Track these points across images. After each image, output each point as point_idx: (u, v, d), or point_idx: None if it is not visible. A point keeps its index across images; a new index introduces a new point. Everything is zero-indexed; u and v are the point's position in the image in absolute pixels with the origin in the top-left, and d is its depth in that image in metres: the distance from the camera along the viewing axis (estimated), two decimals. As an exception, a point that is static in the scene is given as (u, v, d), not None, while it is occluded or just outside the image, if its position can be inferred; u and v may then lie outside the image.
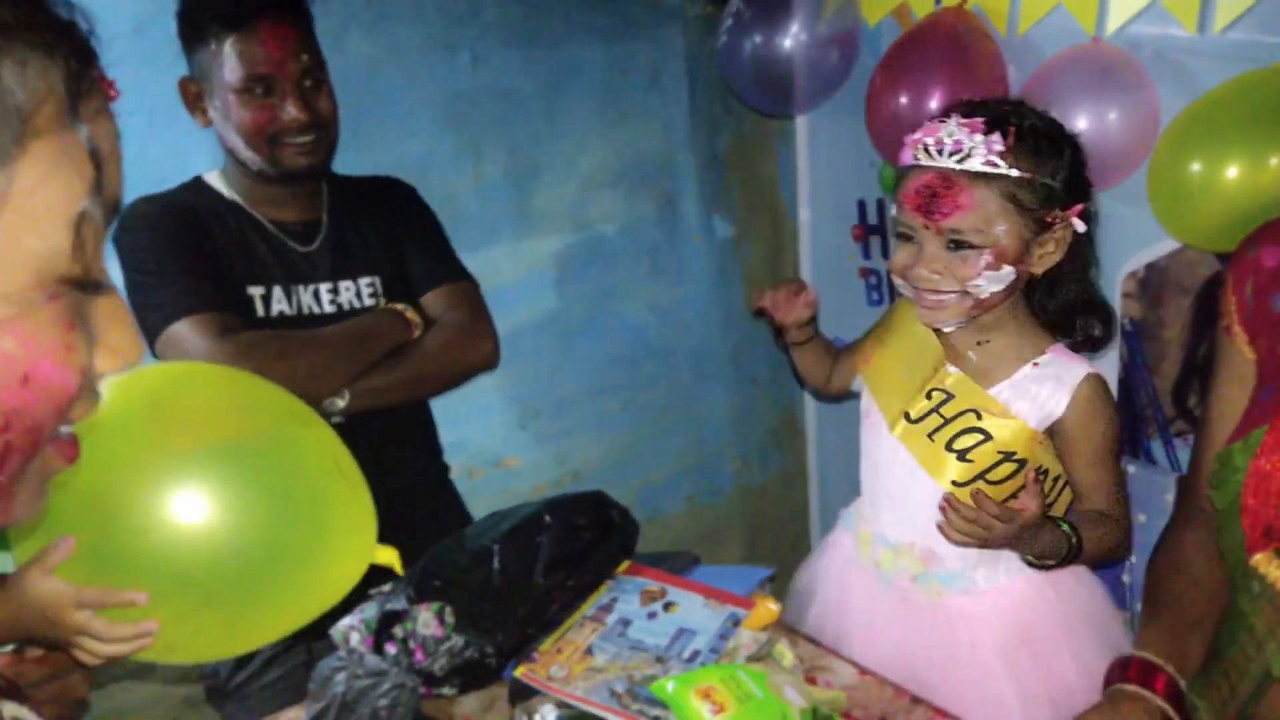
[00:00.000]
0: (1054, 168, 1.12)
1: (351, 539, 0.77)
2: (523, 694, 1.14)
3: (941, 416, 1.23)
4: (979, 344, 1.23)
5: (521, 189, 2.20)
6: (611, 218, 2.34)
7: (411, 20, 1.96)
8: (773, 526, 2.68)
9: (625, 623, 1.23)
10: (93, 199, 0.41)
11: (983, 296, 1.15)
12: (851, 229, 2.21)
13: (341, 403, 1.37)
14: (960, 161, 1.09)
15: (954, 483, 1.22)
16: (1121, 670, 1.03)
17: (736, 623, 1.24)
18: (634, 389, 2.43)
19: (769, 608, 1.27)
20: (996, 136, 1.09)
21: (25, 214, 0.39)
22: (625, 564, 1.36)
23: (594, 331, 2.35)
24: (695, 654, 1.17)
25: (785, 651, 1.20)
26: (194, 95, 1.41)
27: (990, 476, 1.20)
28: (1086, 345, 1.25)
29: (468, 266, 1.65)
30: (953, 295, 1.15)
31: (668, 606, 1.26)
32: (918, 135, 1.15)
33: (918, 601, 1.24)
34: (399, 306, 1.47)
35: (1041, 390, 1.19)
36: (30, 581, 0.68)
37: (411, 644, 1.14)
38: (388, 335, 1.42)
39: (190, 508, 0.67)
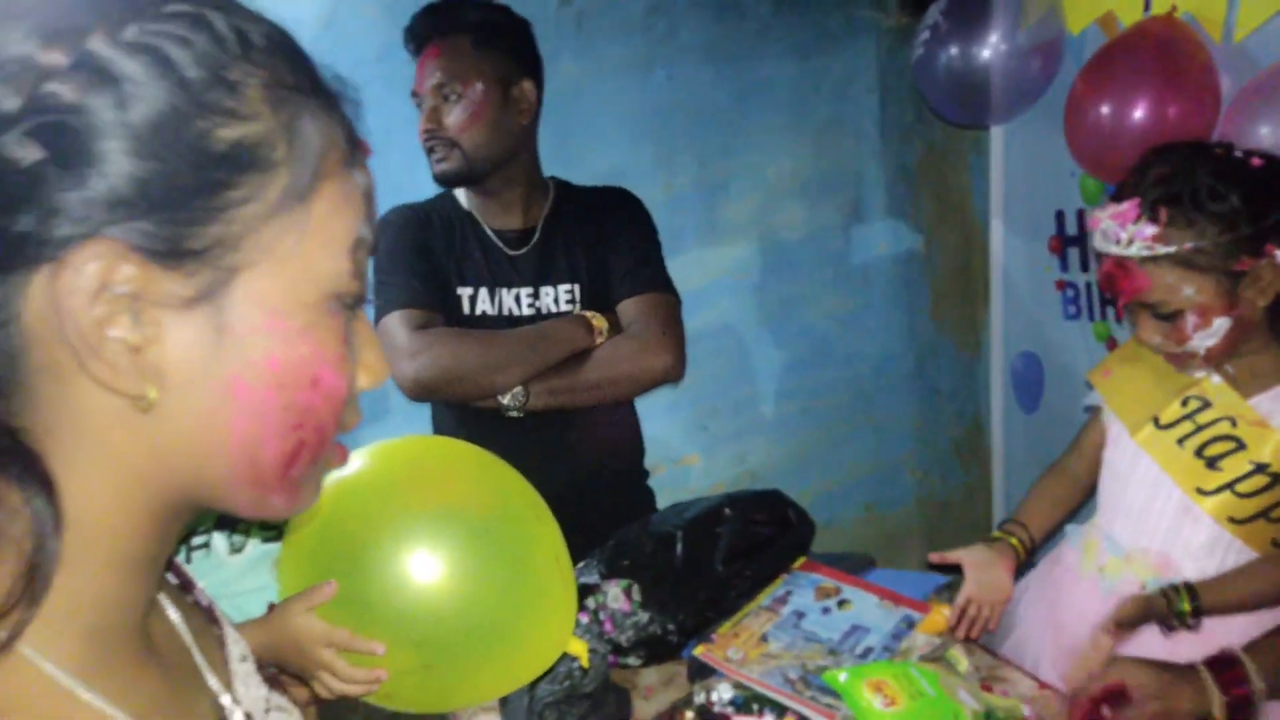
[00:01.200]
0: (1226, 224, 1.09)
1: (556, 628, 0.85)
2: (701, 672, 1.22)
3: (1194, 423, 1.22)
4: (1240, 360, 1.22)
5: (710, 199, 2.29)
6: (796, 226, 2.39)
7: (616, 40, 2.10)
8: (953, 541, 2.59)
9: (800, 615, 1.29)
10: (367, 229, 0.50)
11: (1208, 348, 1.16)
12: (1049, 240, 2.15)
13: (517, 401, 1.49)
14: (1124, 249, 1.13)
15: (1199, 490, 1.20)
16: (1219, 663, 1.03)
17: (910, 625, 1.27)
18: (814, 394, 2.46)
19: (944, 613, 1.29)
20: (1144, 225, 1.11)
21: (320, 240, 0.46)
22: (801, 560, 1.41)
23: (776, 337, 2.41)
24: (868, 650, 1.21)
25: (960, 657, 1.22)
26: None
27: (1239, 488, 1.17)
28: None
29: (656, 274, 1.73)
30: (1183, 354, 1.18)
31: (842, 604, 1.31)
32: (1092, 220, 1.19)
33: (1124, 578, 1.22)
34: (587, 314, 1.56)
35: None
36: (293, 613, 0.78)
37: (601, 615, 1.24)
38: (567, 339, 1.50)
39: (433, 574, 0.76)
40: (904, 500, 2.61)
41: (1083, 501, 1.43)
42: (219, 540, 1.12)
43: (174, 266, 0.42)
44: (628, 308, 1.58)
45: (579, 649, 0.92)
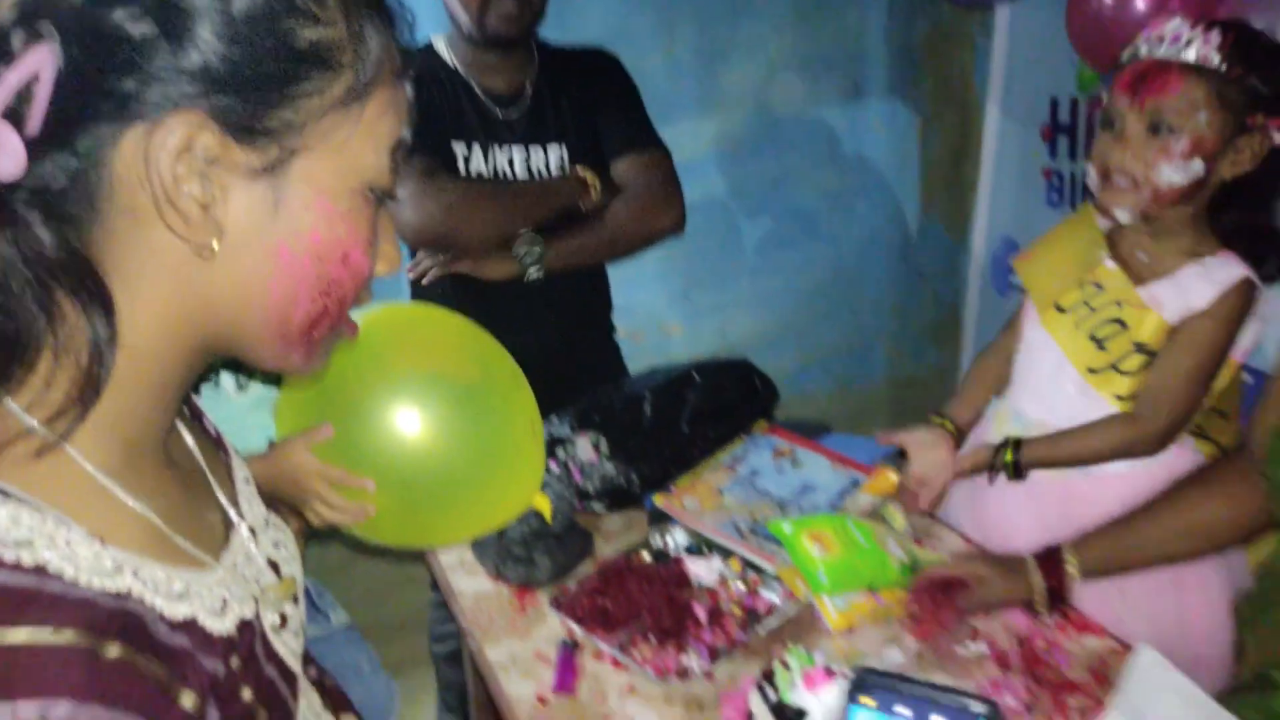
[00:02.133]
0: (1266, 75, 1.14)
1: (525, 485, 0.95)
2: (659, 519, 1.33)
3: (1089, 307, 1.29)
4: (1154, 241, 1.26)
5: (709, 68, 2.27)
6: (794, 101, 2.38)
7: (621, -103, 2.04)
8: (919, 418, 2.73)
9: (755, 473, 1.39)
10: (406, 132, 0.56)
11: (1161, 187, 1.18)
12: (1041, 127, 2.16)
13: (533, 258, 1.54)
14: (1178, 51, 1.15)
15: (1090, 370, 1.29)
16: (1045, 554, 1.12)
17: (856, 485, 1.37)
18: (798, 270, 2.51)
19: (889, 477, 1.39)
20: (1215, 33, 1.14)
21: (368, 136, 0.53)
22: (762, 424, 1.51)
23: (765, 212, 2.44)
24: (814, 507, 1.32)
25: (896, 515, 1.33)
26: None
27: (1122, 367, 1.26)
28: (1271, 279, 1.25)
29: (651, 141, 1.76)
30: (1135, 181, 1.20)
31: (795, 464, 1.41)
32: (1146, 30, 1.21)
33: (1038, 478, 1.32)
34: (580, 170, 1.61)
35: (1195, 285, 1.22)
36: (294, 450, 0.87)
37: (571, 465, 1.34)
38: (564, 194, 1.57)
39: (419, 426, 0.85)
40: (874, 377, 2.70)
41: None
42: (226, 379, 1.21)
43: (246, 141, 0.48)
44: (626, 166, 1.62)
45: (543, 505, 1.03)
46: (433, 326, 0.97)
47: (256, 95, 0.48)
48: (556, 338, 1.65)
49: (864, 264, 2.59)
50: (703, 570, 1.24)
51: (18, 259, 0.46)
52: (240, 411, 1.18)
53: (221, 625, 0.54)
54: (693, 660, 1.09)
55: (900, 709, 0.67)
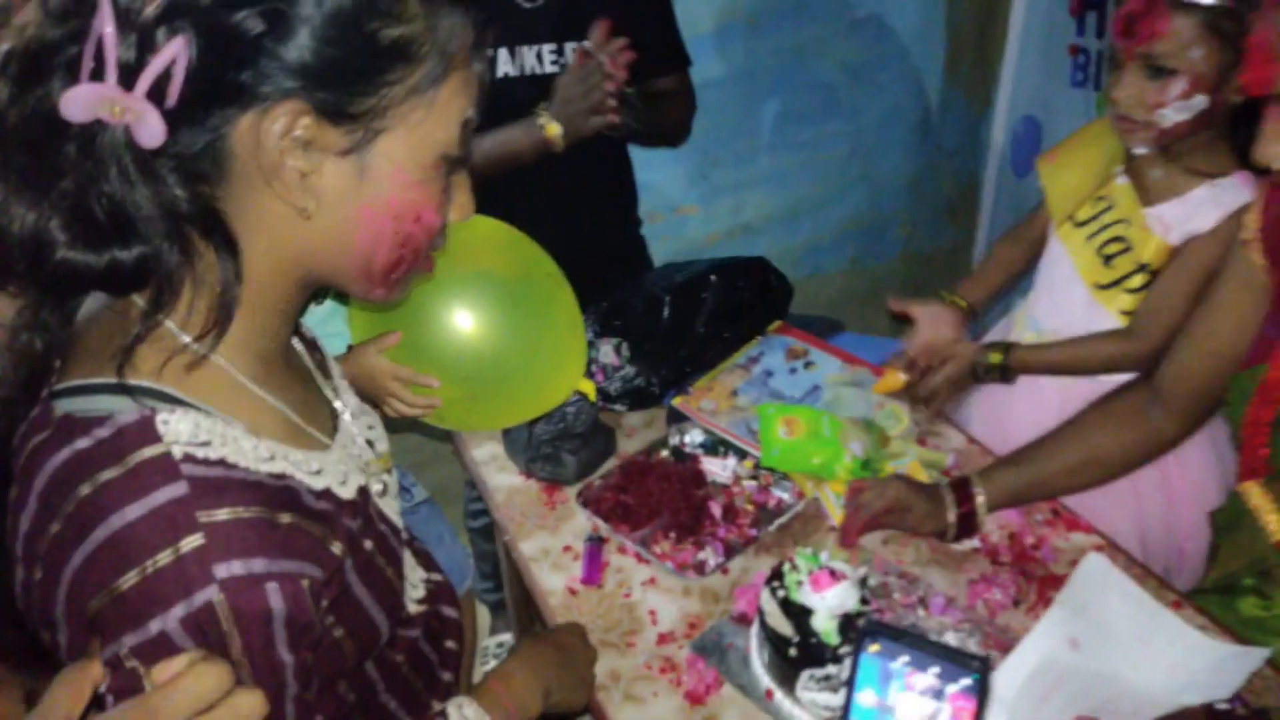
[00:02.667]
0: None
1: (570, 371, 1.07)
2: (677, 418, 1.40)
3: (1100, 223, 1.32)
4: (1169, 163, 1.27)
5: (727, -65, 2.18)
6: (815, -32, 2.29)
7: None
8: (934, 295, 2.76)
9: (769, 373, 1.45)
10: (476, 110, 0.65)
11: (1165, 126, 1.19)
12: (1069, 1, 2.09)
13: (628, 130, 1.53)
14: None
15: (1097, 285, 1.33)
16: (959, 483, 1.19)
17: (864, 386, 1.44)
18: (815, 147, 2.49)
19: (898, 376, 1.46)
20: None
21: (441, 117, 0.62)
22: (776, 323, 1.56)
23: (782, 88, 2.39)
24: (823, 407, 1.39)
25: (901, 413, 1.40)
26: None
27: (1127, 285, 1.29)
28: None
29: (665, 13, 1.76)
30: (1142, 123, 1.20)
31: (808, 365, 1.47)
32: None
33: (1046, 384, 1.38)
34: (543, 120, 1.44)
35: (1202, 207, 1.23)
36: (368, 355, 0.99)
37: (593, 368, 1.41)
38: (528, 158, 1.47)
39: (472, 325, 0.95)
40: (890, 254, 2.72)
41: (1032, 263, 1.52)
42: None
43: (337, 124, 0.59)
44: (670, 82, 1.68)
45: (588, 387, 1.16)
46: (479, 234, 1.05)
47: (346, 87, 0.58)
48: (590, 234, 1.67)
49: (883, 138, 2.56)
50: (718, 468, 1.32)
51: (158, 212, 0.57)
52: (319, 320, 1.28)
53: (347, 492, 0.69)
54: (709, 556, 1.19)
55: (903, 658, 0.76)
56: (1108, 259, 1.31)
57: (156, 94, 0.53)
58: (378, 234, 0.64)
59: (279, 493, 0.62)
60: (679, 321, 1.45)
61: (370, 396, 1.00)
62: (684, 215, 2.41)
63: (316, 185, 0.60)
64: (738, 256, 1.58)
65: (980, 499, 1.17)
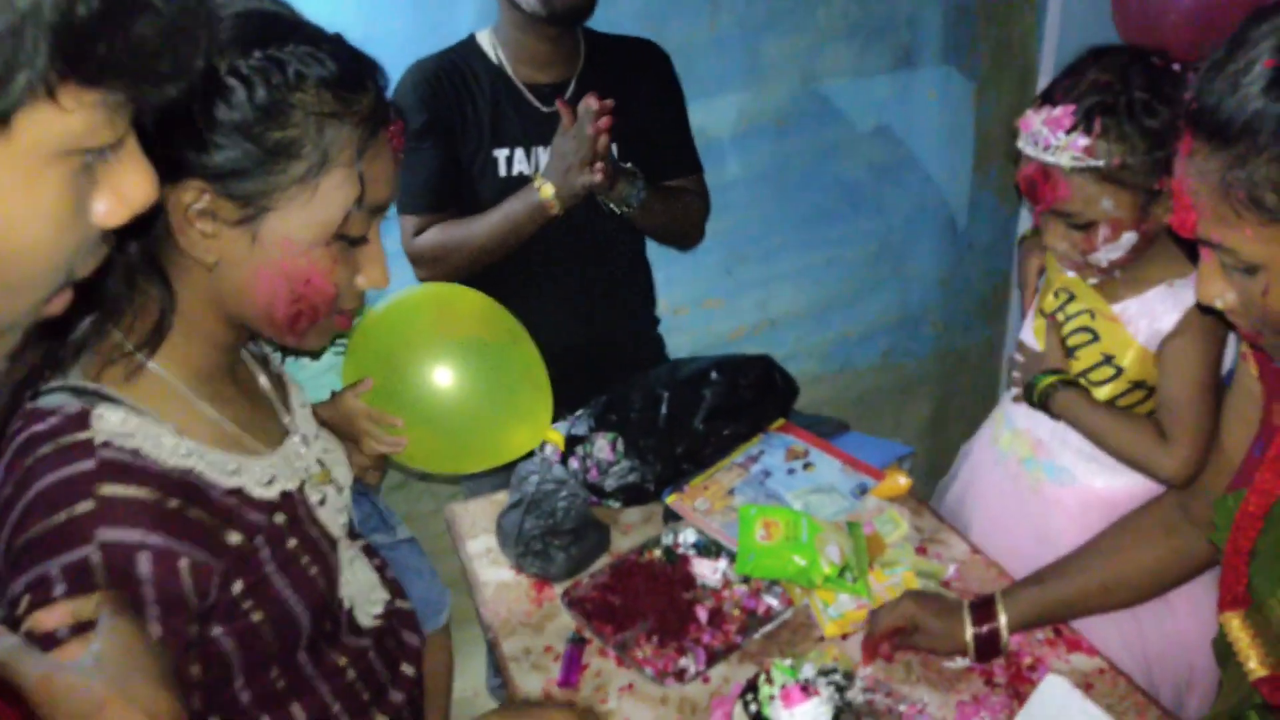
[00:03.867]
0: (1156, 140, 1.08)
1: (530, 419, 1.13)
2: (672, 517, 1.39)
3: (1065, 314, 1.29)
4: (1126, 265, 1.24)
5: (755, 39, 2.23)
6: (843, 71, 2.33)
7: None
8: (965, 393, 2.72)
9: (766, 473, 1.43)
10: (356, 207, 0.79)
11: (1104, 266, 1.18)
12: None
13: (640, 191, 1.57)
14: (1054, 156, 1.11)
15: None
16: (980, 601, 1.15)
17: (865, 490, 1.41)
18: (842, 244, 2.49)
19: (899, 481, 1.43)
20: (1079, 136, 1.09)
21: (324, 202, 0.77)
22: (779, 421, 1.54)
23: (810, 186, 2.41)
24: (818, 511, 1.36)
25: (900, 519, 1.36)
26: None
27: (1092, 377, 1.25)
28: None
29: (696, 116, 1.78)
30: (1082, 265, 1.20)
31: (807, 466, 1.45)
32: (1021, 122, 1.16)
33: (1023, 484, 1.34)
34: (545, 195, 1.51)
35: (1161, 306, 1.20)
36: (345, 398, 1.10)
37: (589, 463, 1.41)
38: (529, 227, 1.54)
39: (440, 374, 1.06)
40: (921, 351, 2.68)
41: None
42: None
43: (232, 199, 0.74)
44: (687, 183, 1.74)
45: (555, 438, 1.22)
46: (447, 300, 1.18)
47: (239, 174, 0.73)
48: (605, 329, 1.72)
49: (912, 236, 2.56)
50: (708, 571, 1.30)
51: (118, 257, 0.72)
52: (315, 374, 1.42)
53: (267, 493, 0.82)
54: (690, 663, 1.16)
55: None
56: (1071, 350, 1.27)
57: None
58: (274, 291, 0.79)
59: (179, 483, 0.74)
60: (677, 418, 1.45)
61: (348, 435, 1.09)
62: (709, 309, 2.42)
63: (217, 247, 0.76)
64: (741, 354, 1.58)
65: (1002, 619, 1.13)
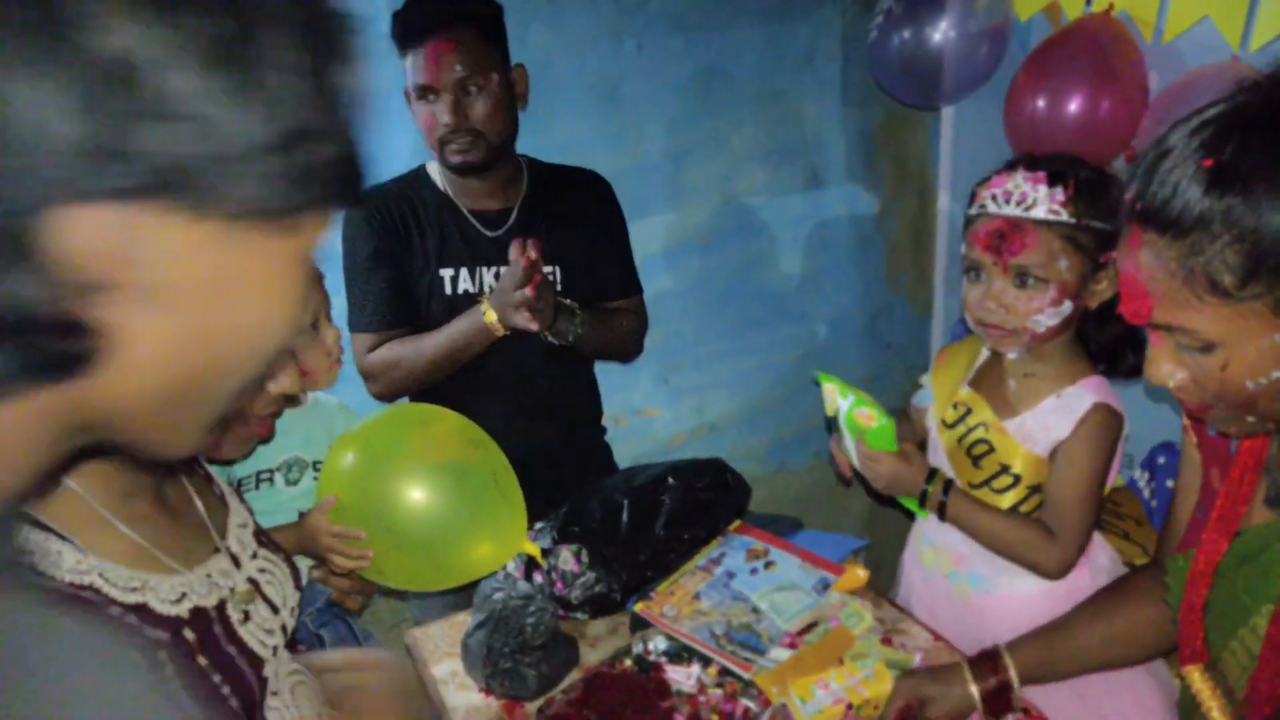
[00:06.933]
0: (1110, 215, 1.21)
1: (501, 529, 1.15)
2: (640, 624, 1.39)
3: (965, 425, 1.39)
4: (1025, 375, 1.35)
5: (676, 165, 2.38)
6: (758, 191, 2.49)
7: (585, 12, 2.16)
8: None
9: (730, 575, 1.46)
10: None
11: (1039, 331, 1.27)
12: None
13: (580, 325, 1.63)
14: (1026, 210, 1.22)
15: (970, 484, 1.38)
16: (982, 656, 1.19)
17: (826, 585, 1.44)
18: (770, 350, 2.60)
19: (858, 574, 1.46)
20: (1058, 189, 1.21)
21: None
22: (736, 523, 1.58)
23: (736, 297, 2.53)
24: (785, 607, 1.38)
25: (863, 612, 1.39)
26: (407, 94, 1.63)
27: (994, 484, 1.35)
28: (1133, 375, 1.34)
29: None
30: (1015, 329, 1.28)
31: (768, 565, 1.48)
32: (988, 186, 1.28)
33: (952, 596, 1.40)
34: (488, 318, 1.57)
35: (1054, 417, 1.31)
36: (310, 517, 1.13)
37: (554, 576, 1.41)
38: (476, 345, 1.60)
39: (397, 490, 1.06)
40: (852, 449, 2.77)
41: None
42: (279, 477, 1.48)
43: None
44: (627, 304, 1.82)
45: (533, 549, 1.24)
46: (406, 418, 1.21)
47: None
48: (556, 442, 1.76)
49: (834, 340, 2.69)
50: (682, 677, 1.30)
51: None
52: (289, 500, 1.45)
53: (173, 610, 0.81)
54: (673, 772, 1.15)
55: None
56: (976, 460, 1.36)
57: None
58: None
59: (71, 598, 0.75)
60: (638, 525, 1.47)
61: (316, 553, 1.11)
62: (648, 417, 2.47)
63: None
64: (694, 459, 1.62)
65: (1011, 672, 1.16)
